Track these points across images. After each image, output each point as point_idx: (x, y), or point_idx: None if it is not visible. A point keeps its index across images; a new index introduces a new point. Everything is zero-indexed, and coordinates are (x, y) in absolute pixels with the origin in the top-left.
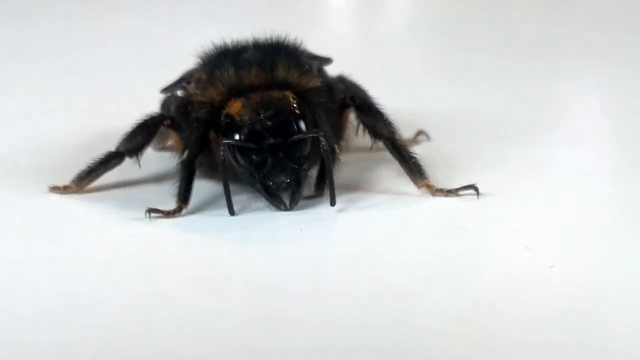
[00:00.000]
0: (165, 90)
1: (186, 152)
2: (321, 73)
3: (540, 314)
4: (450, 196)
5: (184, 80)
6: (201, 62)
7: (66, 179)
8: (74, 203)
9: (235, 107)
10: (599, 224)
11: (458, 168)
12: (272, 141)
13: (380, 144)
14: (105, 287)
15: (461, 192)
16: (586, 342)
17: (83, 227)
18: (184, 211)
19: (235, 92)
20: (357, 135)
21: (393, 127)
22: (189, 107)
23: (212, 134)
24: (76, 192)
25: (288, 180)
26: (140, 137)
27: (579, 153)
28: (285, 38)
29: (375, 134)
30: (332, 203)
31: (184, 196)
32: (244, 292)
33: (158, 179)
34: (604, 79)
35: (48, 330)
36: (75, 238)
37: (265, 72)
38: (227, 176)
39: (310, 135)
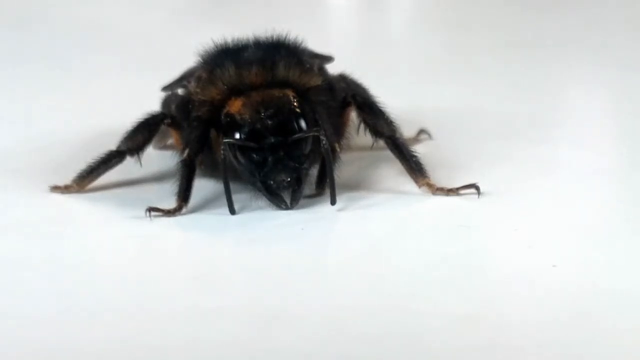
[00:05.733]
0: (165, 88)
1: (187, 151)
2: (322, 71)
3: (543, 313)
4: (451, 195)
5: (184, 79)
6: (202, 61)
7: (67, 178)
8: (75, 202)
9: (235, 105)
10: (601, 223)
11: (459, 167)
12: (272, 140)
13: (381, 142)
14: (105, 285)
15: (462, 192)
16: (588, 342)
17: (84, 227)
18: (184, 210)
19: (235, 90)
20: (358, 133)
21: (394, 126)
22: (190, 106)
23: (212, 133)
24: (77, 191)
25: (289, 179)
26: (141, 135)
27: (581, 152)
28: (286, 36)
29: (376, 132)
30: (333, 202)
31: (184, 195)
32: (244, 290)
33: (159, 177)
34: (606, 78)
35: (48, 330)
36: (75, 237)
37: (266, 71)
38: (227, 175)
39: (311, 134)
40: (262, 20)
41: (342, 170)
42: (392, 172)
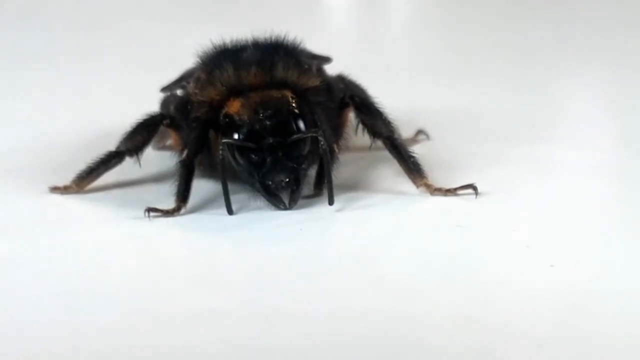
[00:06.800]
0: (164, 89)
1: (185, 152)
2: (320, 72)
3: (540, 312)
4: (449, 195)
5: (183, 80)
6: (200, 62)
7: (66, 178)
8: (75, 203)
9: (234, 106)
10: (599, 223)
11: (457, 167)
12: (271, 140)
13: (380, 143)
14: (104, 286)
15: (460, 192)
16: (586, 342)
17: (83, 227)
18: (183, 210)
19: (234, 91)
20: (356, 134)
21: (392, 126)
22: (189, 107)
23: (211, 134)
24: (77, 192)
25: (287, 180)
26: (140, 136)
27: (579, 152)
28: (284, 37)
29: (374, 133)
30: (331, 202)
31: (183, 195)
32: (243, 290)
33: (158, 178)
34: (604, 78)
35: (47, 330)
36: (75, 238)
37: (265, 72)
38: (226, 175)
39: (310, 134)
40: (260, 21)
41: (341, 171)
42: (390, 173)
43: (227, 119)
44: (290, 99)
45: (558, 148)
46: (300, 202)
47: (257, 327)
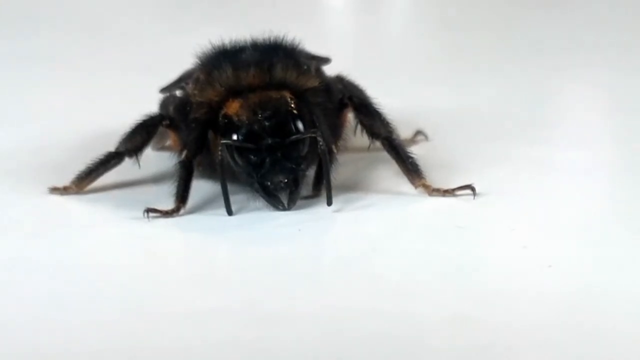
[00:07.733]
0: (164, 90)
1: (185, 152)
2: (319, 73)
3: (538, 313)
4: (447, 196)
5: (182, 81)
6: (199, 62)
7: (66, 179)
8: (74, 203)
9: (233, 107)
10: (596, 223)
11: (456, 168)
12: (270, 141)
13: (378, 143)
14: (103, 286)
15: (458, 192)
16: (584, 342)
17: (82, 228)
18: (182, 211)
19: (233, 92)
20: (355, 135)
21: (391, 127)
22: (188, 107)
23: (210, 134)
24: (76, 192)
25: (286, 180)
26: (140, 137)
27: (577, 152)
28: (283, 38)
29: (373, 133)
30: (329, 203)
31: (182, 196)
32: (241, 291)
33: (157, 179)
34: (602, 78)
35: (47, 330)
36: (74, 238)
37: (263, 73)
38: (225, 176)
39: (308, 135)
40: (259, 21)
41: (339, 172)
42: (389, 173)
43: (226, 120)
44: (289, 99)
45: (557, 148)
46: (299, 202)
47: (256, 327)
